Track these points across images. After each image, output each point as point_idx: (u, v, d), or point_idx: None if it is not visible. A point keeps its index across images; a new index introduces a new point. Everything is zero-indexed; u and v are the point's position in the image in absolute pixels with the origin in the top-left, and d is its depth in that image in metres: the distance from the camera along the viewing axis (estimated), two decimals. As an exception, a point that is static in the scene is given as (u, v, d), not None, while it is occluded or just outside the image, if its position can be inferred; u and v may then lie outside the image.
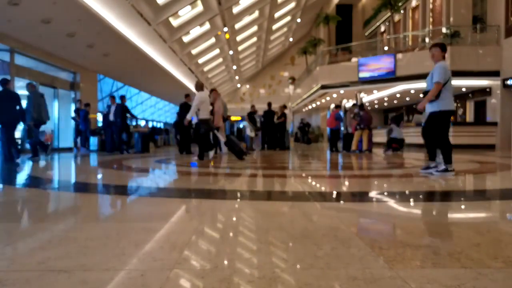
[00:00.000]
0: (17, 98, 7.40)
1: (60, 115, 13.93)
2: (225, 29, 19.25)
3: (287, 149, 13.27)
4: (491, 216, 2.71)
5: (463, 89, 17.21)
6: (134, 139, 13.14)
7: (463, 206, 3.05)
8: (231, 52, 24.18)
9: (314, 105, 26.61)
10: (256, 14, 21.35)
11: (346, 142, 12.02)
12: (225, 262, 1.53)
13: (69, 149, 13.39)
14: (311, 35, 31.63)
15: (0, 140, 7.24)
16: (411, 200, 3.33)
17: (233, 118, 30.57)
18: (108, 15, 11.44)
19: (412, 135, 16.39)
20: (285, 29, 28.65)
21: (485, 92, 16.05)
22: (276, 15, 23.57)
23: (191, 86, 22.84)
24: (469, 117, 18.00)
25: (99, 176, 5.57)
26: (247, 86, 37.77)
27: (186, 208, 2.88)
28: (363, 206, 3.03)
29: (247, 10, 19.76)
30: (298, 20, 27.62)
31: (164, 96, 27.48)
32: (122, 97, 11.55)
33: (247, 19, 21.32)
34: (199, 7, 16.24)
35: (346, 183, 4.63)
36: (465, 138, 14.56)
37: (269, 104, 13.42)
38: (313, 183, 4.57)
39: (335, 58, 21.63)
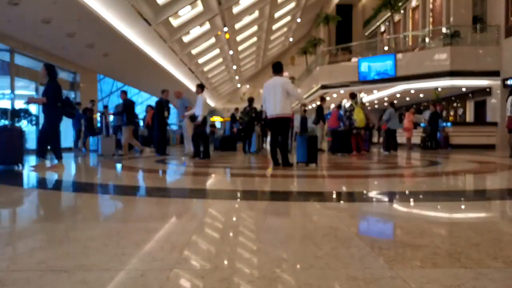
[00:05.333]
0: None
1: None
2: (225, 29, 19.24)
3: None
4: (491, 216, 2.71)
5: (463, 89, 17.21)
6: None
7: (463, 206, 3.05)
8: (231, 52, 24.17)
9: (314, 105, 26.60)
10: (256, 14, 21.34)
11: (345, 142, 11.94)
12: (225, 262, 1.53)
13: (68, 149, 13.37)
14: (311, 35, 31.62)
15: None
16: (411, 200, 3.33)
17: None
18: (108, 15, 11.45)
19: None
20: (285, 29, 28.65)
21: (485, 92, 16.05)
22: (276, 15, 23.56)
23: (191, 86, 22.83)
24: (469, 117, 18.00)
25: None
26: (247, 86, 37.77)
27: (185, 208, 2.88)
28: (363, 206, 3.03)
29: (247, 10, 19.76)
30: (298, 20, 27.61)
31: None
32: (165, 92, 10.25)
33: (247, 19, 21.32)
34: (199, 7, 16.24)
35: (346, 183, 4.63)
36: (465, 138, 14.57)
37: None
38: (313, 183, 4.57)
39: (335, 58, 21.62)
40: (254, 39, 25.81)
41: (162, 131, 10.00)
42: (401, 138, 15.71)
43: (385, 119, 11.87)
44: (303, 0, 23.80)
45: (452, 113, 19.80)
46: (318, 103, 13.29)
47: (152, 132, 11.43)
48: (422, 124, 14.66)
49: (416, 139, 15.83)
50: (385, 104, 23.25)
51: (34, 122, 11.66)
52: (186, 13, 16.12)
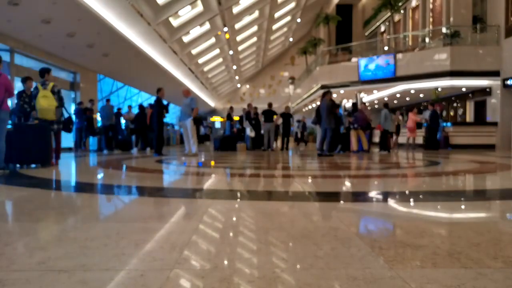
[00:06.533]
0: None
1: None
2: (225, 29, 19.25)
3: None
4: (491, 216, 2.71)
5: (463, 89, 17.21)
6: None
7: (463, 206, 3.05)
8: (231, 52, 24.18)
9: (314, 105, 26.61)
10: (256, 14, 21.35)
11: (344, 142, 11.96)
12: (225, 262, 1.53)
13: (68, 149, 13.37)
14: (311, 35, 31.63)
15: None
16: (411, 200, 3.33)
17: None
18: (108, 15, 11.44)
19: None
20: (285, 29, 28.65)
21: (485, 92, 16.05)
22: (276, 15, 23.57)
23: (191, 86, 22.83)
24: (469, 117, 18.00)
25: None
26: (247, 86, 37.78)
27: (185, 207, 2.88)
28: (363, 206, 3.03)
29: (247, 10, 19.76)
30: (298, 20, 27.62)
31: (165, 96, 27.53)
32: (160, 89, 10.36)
33: (247, 19, 21.32)
34: (199, 7, 16.24)
35: (345, 183, 4.63)
36: (465, 138, 14.57)
37: (270, 105, 13.43)
38: (313, 183, 4.57)
39: (335, 58, 21.61)
40: (254, 39, 25.81)
41: (160, 131, 9.94)
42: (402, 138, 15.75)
43: (382, 120, 11.87)
44: (303, 0, 23.81)
45: (452, 113, 19.80)
46: (318, 103, 13.32)
47: (151, 132, 11.72)
48: (424, 124, 14.72)
49: (418, 139, 15.85)
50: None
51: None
52: (186, 13, 16.12)
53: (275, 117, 12.84)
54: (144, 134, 13.17)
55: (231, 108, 14.80)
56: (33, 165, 6.01)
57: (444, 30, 16.57)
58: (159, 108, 9.86)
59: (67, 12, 10.17)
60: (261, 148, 13.05)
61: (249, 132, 13.51)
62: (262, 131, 13.14)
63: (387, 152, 11.30)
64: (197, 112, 9.72)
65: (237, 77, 33.27)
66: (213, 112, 36.19)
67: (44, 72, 6.61)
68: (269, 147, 12.76)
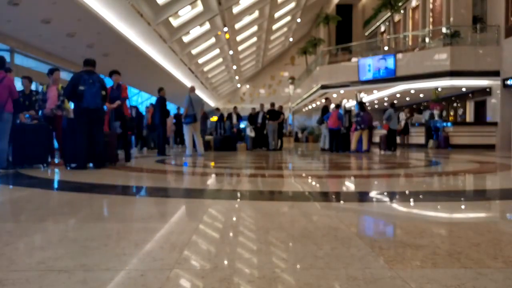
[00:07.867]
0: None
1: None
2: (225, 29, 19.25)
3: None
4: (491, 216, 2.71)
5: (463, 89, 17.21)
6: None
7: (463, 206, 3.05)
8: (231, 52, 24.18)
9: (314, 105, 26.62)
10: (256, 14, 21.35)
11: (344, 142, 11.97)
12: (225, 262, 1.53)
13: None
14: (311, 35, 31.62)
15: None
16: (411, 200, 3.33)
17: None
18: (108, 15, 11.45)
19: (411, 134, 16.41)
20: (285, 29, 28.65)
21: (485, 92, 16.05)
22: (276, 15, 23.57)
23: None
24: (469, 117, 18.01)
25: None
26: (247, 86, 37.77)
27: (185, 207, 2.88)
28: (363, 206, 3.03)
29: (247, 10, 19.77)
30: (298, 20, 27.61)
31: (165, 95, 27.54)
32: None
33: (247, 19, 21.33)
34: (199, 7, 16.25)
35: (346, 183, 4.63)
36: (465, 138, 14.58)
37: (273, 104, 13.43)
38: (313, 183, 4.57)
39: (335, 58, 21.61)
40: (254, 39, 25.81)
41: (164, 130, 9.85)
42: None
43: (385, 119, 11.87)
44: (303, 0, 23.81)
45: (452, 113, 19.80)
46: (323, 100, 13.40)
47: (153, 132, 11.78)
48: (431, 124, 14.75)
49: (419, 139, 15.86)
50: (385, 104, 23.35)
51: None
52: (186, 13, 16.12)
53: (281, 116, 12.92)
54: (141, 135, 13.20)
55: (235, 108, 14.84)
56: (33, 165, 6.00)
57: (444, 30, 16.56)
58: (163, 108, 9.64)
59: (67, 12, 10.18)
60: (266, 148, 13.04)
61: (249, 132, 13.51)
62: (265, 131, 13.15)
63: (393, 152, 11.29)
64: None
65: (237, 77, 33.27)
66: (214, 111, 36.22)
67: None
68: (273, 147, 12.79)
